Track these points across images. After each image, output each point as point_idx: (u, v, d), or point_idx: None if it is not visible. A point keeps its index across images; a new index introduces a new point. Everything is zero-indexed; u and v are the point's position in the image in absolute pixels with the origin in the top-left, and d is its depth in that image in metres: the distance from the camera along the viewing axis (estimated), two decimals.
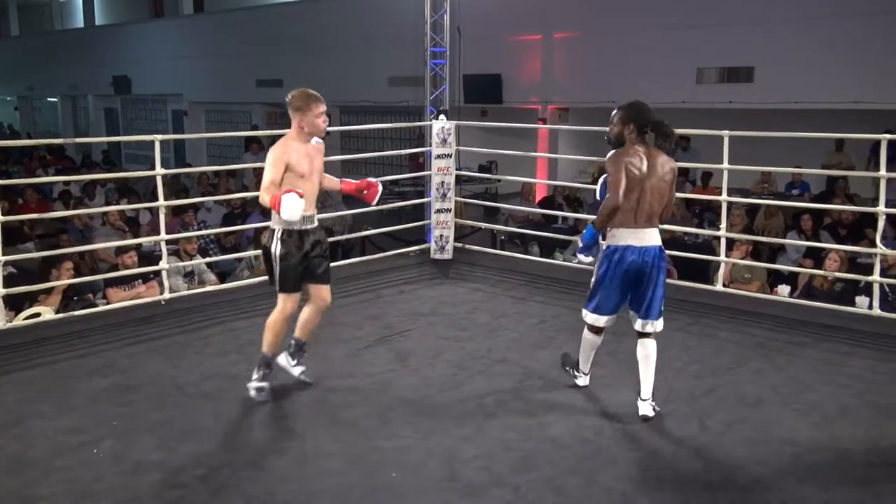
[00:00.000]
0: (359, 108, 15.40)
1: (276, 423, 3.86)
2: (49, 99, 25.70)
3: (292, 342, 4.22)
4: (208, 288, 6.26)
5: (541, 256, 7.63)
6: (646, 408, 3.86)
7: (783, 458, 3.49)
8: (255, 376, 4.02)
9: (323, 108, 4.04)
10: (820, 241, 7.39)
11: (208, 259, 6.91)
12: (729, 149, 5.81)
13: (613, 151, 3.81)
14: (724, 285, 6.09)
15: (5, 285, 5.12)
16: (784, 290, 6.56)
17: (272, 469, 3.36)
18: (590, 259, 4.02)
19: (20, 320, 5.35)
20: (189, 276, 6.62)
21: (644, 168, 3.73)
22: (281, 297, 4.01)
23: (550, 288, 6.32)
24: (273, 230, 3.99)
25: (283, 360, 4.23)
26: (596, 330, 4.07)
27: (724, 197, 5.97)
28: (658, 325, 3.94)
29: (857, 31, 9.50)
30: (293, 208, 3.65)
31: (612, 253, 3.83)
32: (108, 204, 10.14)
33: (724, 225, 6.03)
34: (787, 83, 9.84)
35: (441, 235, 7.24)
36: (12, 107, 27.65)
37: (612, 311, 3.98)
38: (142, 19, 22.81)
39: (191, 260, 6.57)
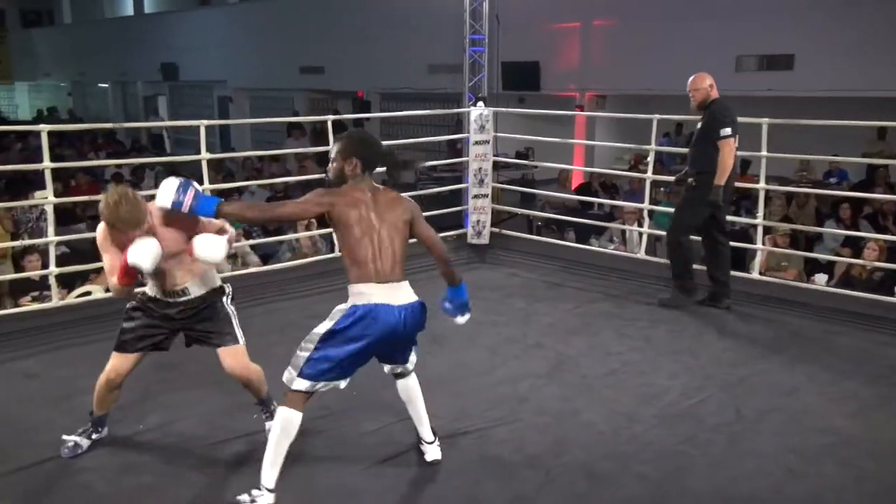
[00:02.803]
0: (399, 94, 15.38)
1: (314, 400, 3.88)
2: (100, 85, 26.08)
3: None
4: (251, 269, 6.32)
5: (576, 242, 7.56)
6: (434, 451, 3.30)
7: (818, 448, 3.42)
8: (77, 431, 3.33)
9: (137, 234, 2.97)
10: (859, 231, 7.22)
11: (252, 241, 6.97)
12: (767, 136, 5.69)
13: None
14: (761, 273, 5.98)
15: (58, 264, 5.23)
16: (821, 278, 6.42)
17: (308, 444, 3.38)
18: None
19: (72, 298, 5.46)
20: (233, 257, 6.68)
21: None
22: (112, 354, 3.27)
23: (586, 274, 6.27)
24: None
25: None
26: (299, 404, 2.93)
27: (761, 185, 5.86)
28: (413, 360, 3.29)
29: None
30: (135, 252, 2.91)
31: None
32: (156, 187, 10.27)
33: (761, 213, 5.92)
34: (827, 71, 9.58)
35: (478, 220, 7.21)
36: (66, 92, 28.14)
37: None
38: (189, 7, 23.00)
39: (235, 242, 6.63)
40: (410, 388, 3.28)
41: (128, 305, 3.24)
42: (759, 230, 5.97)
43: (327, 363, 2.86)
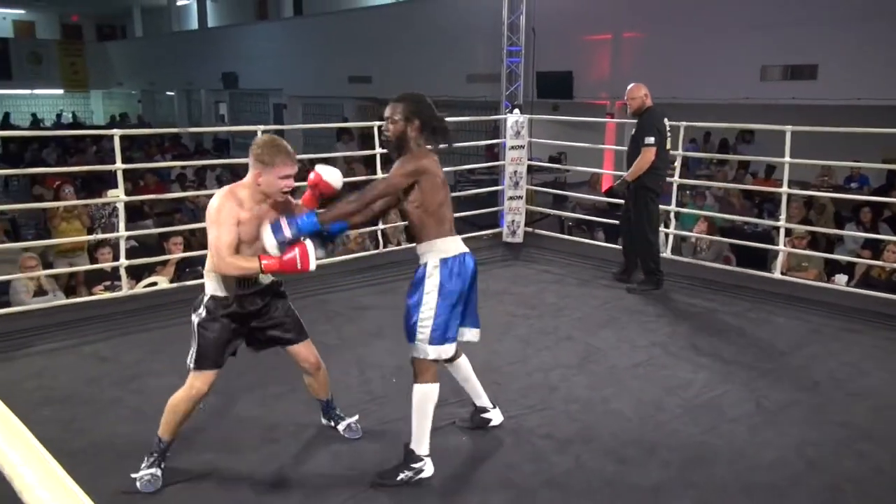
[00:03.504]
0: (440, 102, 15.25)
1: (361, 387, 3.90)
2: (167, 93, 26.54)
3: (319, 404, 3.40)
4: None
5: (605, 242, 7.48)
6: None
7: (837, 441, 3.34)
8: (143, 464, 2.93)
9: (289, 169, 2.82)
10: (879, 233, 7.02)
11: None
12: (791, 143, 5.57)
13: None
14: (782, 273, 5.86)
15: (127, 257, 5.33)
16: (841, 279, 6.26)
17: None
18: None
19: (139, 288, 5.56)
20: None
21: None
22: (191, 375, 2.92)
23: (614, 271, 6.20)
24: (201, 298, 2.94)
25: (322, 419, 3.42)
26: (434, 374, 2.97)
27: (784, 189, 5.74)
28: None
29: None
30: (312, 258, 2.77)
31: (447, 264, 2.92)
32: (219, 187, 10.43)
33: (783, 216, 5.80)
34: (849, 80, 9.33)
35: (513, 220, 7.19)
36: (136, 100, 28.69)
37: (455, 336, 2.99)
38: (248, 22, 23.29)
39: None
40: (465, 366, 3.31)
41: (200, 320, 2.88)
42: (781, 232, 5.85)
43: (446, 325, 2.87)
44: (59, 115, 27.20)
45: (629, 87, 5.56)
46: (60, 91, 27.03)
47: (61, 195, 7.20)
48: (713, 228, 7.26)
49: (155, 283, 5.67)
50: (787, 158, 5.61)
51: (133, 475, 2.91)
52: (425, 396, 2.92)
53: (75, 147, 16.16)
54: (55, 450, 1.11)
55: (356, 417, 3.38)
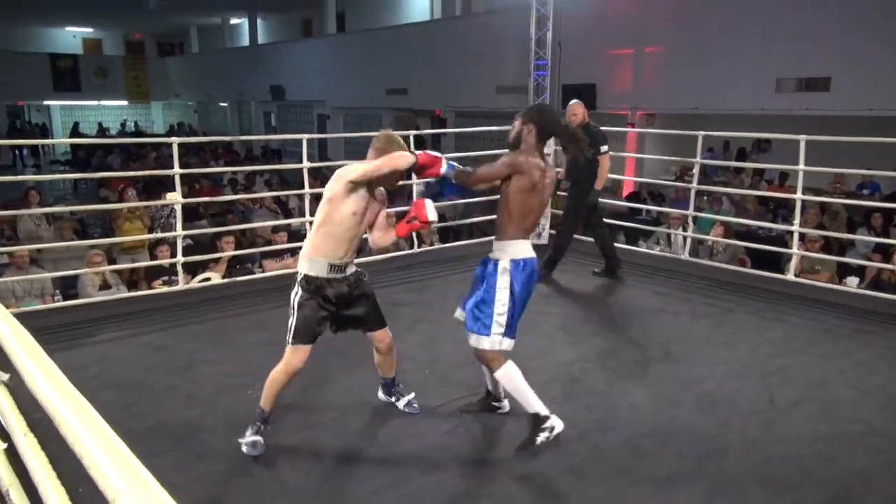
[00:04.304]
0: (471, 112, 15.36)
1: (397, 377, 3.90)
2: (221, 104, 26.93)
3: (381, 381, 3.49)
4: None
5: (626, 244, 7.41)
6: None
7: (847, 436, 3.26)
8: (248, 431, 3.04)
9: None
10: (889, 238, 6.84)
11: None
12: (805, 152, 5.46)
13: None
14: (796, 275, 5.74)
15: (184, 254, 5.41)
16: (853, 281, 6.12)
17: (391, 415, 3.41)
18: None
19: (194, 283, 5.64)
20: None
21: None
22: (288, 349, 3.00)
23: (634, 273, 6.13)
24: (295, 277, 3.05)
25: (381, 395, 3.52)
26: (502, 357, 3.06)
27: (798, 195, 5.63)
28: None
29: None
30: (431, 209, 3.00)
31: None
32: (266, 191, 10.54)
33: (797, 220, 5.68)
34: (861, 92, 9.13)
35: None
36: (192, 110, 29.16)
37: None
38: (295, 38, 23.55)
39: None
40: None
41: (298, 298, 2.97)
42: (795, 236, 5.73)
43: (514, 319, 2.98)
44: (123, 124, 27.79)
45: (571, 104, 5.61)
46: (124, 102, 27.60)
47: (125, 197, 7.35)
48: (729, 232, 7.14)
49: (208, 279, 5.75)
50: (802, 166, 5.50)
51: (239, 440, 3.02)
52: (511, 376, 3.01)
53: (137, 153, 16.46)
54: (117, 430, 1.14)
55: (413, 395, 3.46)
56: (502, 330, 2.96)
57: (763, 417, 3.44)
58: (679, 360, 4.16)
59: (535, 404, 3.00)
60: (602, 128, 5.76)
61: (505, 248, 2.99)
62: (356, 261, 3.18)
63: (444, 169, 2.99)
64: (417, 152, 3.00)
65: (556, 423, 2.99)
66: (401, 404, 3.44)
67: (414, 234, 6.59)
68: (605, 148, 5.55)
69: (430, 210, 3.00)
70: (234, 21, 26.85)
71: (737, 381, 3.84)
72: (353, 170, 2.94)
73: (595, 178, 5.63)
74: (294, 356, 2.99)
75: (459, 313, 3.22)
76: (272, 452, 3.06)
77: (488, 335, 2.97)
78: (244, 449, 3.01)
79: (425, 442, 3.17)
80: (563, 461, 3.02)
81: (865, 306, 5.10)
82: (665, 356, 4.21)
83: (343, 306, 3.09)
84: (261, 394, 3.07)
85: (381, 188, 3.10)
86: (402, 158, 2.93)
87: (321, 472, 2.93)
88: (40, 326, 3.80)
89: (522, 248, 2.99)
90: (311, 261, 3.00)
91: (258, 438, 3.03)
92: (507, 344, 2.99)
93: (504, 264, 2.97)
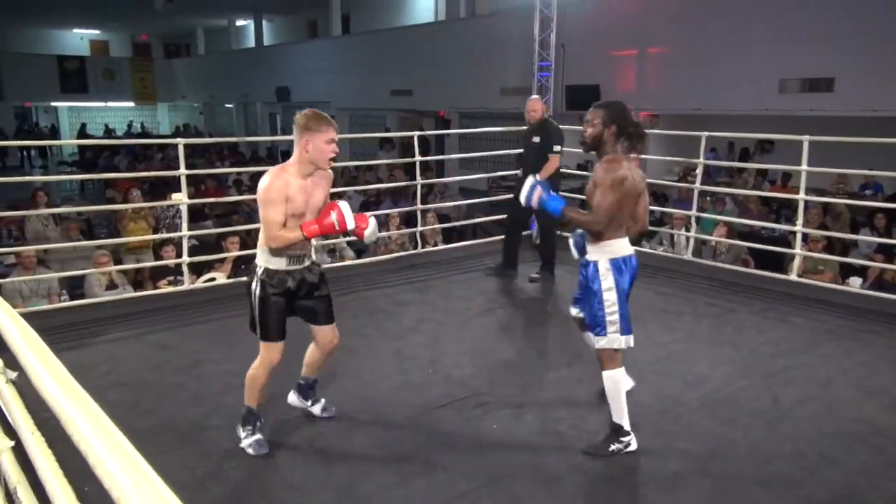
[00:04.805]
0: (475, 113, 15.37)
1: (399, 376, 3.91)
2: (226, 105, 26.97)
3: (300, 381, 3.34)
4: (347, 262, 6.42)
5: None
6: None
7: (850, 436, 3.25)
8: (242, 434, 3.05)
9: (333, 134, 2.88)
10: (892, 238, 6.81)
11: (348, 238, 7.08)
12: (808, 152, 5.45)
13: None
14: (798, 275, 5.72)
15: (189, 254, 5.42)
16: (856, 281, 6.09)
17: (396, 413, 3.41)
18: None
19: (200, 283, 5.65)
20: (332, 252, 6.81)
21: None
22: (262, 346, 2.98)
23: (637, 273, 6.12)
24: (255, 269, 2.98)
25: (294, 399, 3.38)
26: (619, 361, 3.08)
27: (801, 196, 5.61)
28: None
29: None
30: (349, 216, 2.87)
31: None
32: None
33: (800, 221, 5.66)
34: (864, 93, 9.10)
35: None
36: (198, 111, 29.22)
37: None
38: (300, 40, 23.58)
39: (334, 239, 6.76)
40: None
41: (261, 295, 2.92)
42: (798, 236, 5.71)
43: (628, 317, 3.00)
44: (129, 126, 27.86)
45: (530, 100, 5.68)
46: (131, 104, 27.68)
47: (129, 198, 7.36)
48: (732, 233, 7.12)
49: (214, 279, 5.76)
50: (805, 167, 5.48)
51: (241, 445, 3.03)
52: (616, 382, 3.04)
53: (144, 154, 16.52)
54: (122, 429, 1.14)
55: (324, 401, 3.38)
56: (617, 328, 2.99)
57: (766, 417, 3.42)
58: (682, 359, 4.15)
59: (623, 416, 3.05)
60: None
61: (604, 248, 3.01)
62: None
63: (541, 198, 3.03)
64: (306, 229, 2.83)
65: (633, 443, 3.06)
66: (316, 409, 3.35)
67: (418, 235, 6.60)
68: (557, 148, 5.54)
69: (348, 215, 2.86)
70: (239, 23, 26.91)
71: (740, 381, 3.83)
72: (263, 205, 2.80)
73: (558, 176, 5.68)
74: (269, 354, 2.97)
75: (575, 312, 3.31)
76: (277, 451, 3.06)
77: (605, 335, 3.01)
78: (250, 451, 3.01)
79: (431, 440, 3.17)
80: (568, 460, 3.01)
81: (868, 307, 5.07)
82: (668, 356, 4.20)
83: (303, 298, 3.04)
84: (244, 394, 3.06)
85: (321, 170, 2.94)
86: (289, 240, 2.83)
87: (326, 470, 2.93)
88: (47, 326, 3.80)
89: (621, 246, 3.01)
90: (268, 252, 2.92)
91: (257, 437, 3.03)
92: (625, 341, 3.00)
93: (604, 265, 3.00)
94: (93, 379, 3.75)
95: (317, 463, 3.00)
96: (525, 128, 5.90)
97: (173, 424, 3.31)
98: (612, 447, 3.05)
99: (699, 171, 6.37)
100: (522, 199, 3.09)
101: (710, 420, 3.39)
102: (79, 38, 28.87)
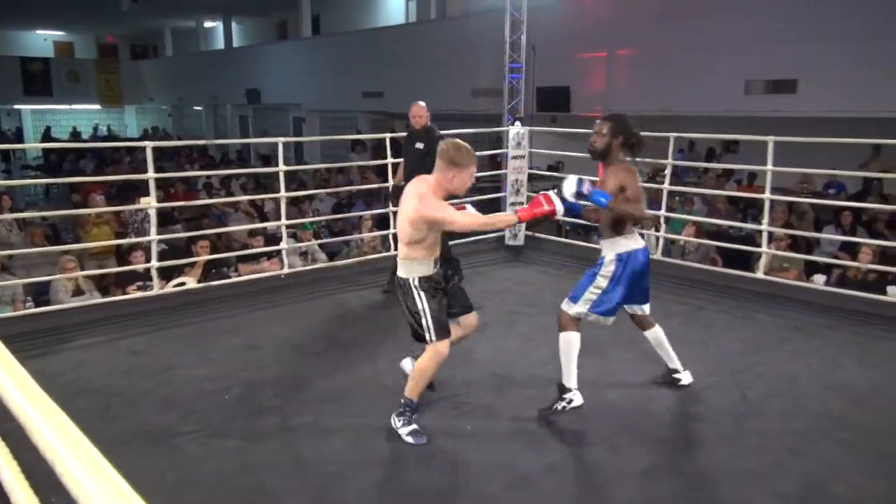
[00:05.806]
0: (446, 115, 15.38)
1: (374, 378, 3.91)
2: (195, 107, 26.63)
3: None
4: (319, 265, 6.38)
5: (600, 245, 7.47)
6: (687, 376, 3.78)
7: (817, 430, 3.32)
8: (400, 424, 3.19)
9: (475, 168, 3.14)
10: (856, 236, 6.98)
11: (320, 241, 7.04)
12: (773, 152, 5.55)
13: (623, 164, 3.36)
14: (765, 273, 5.83)
15: (158, 259, 5.34)
16: (820, 279, 6.21)
17: (370, 416, 3.39)
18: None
19: (169, 288, 5.58)
20: (304, 255, 6.77)
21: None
22: (433, 346, 3.14)
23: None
24: (405, 284, 3.15)
25: (408, 364, 3.54)
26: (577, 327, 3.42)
27: (766, 195, 5.72)
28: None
29: (889, 47, 8.91)
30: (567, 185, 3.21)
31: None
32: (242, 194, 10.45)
33: (766, 220, 5.77)
34: (827, 94, 9.31)
35: (514, 225, 7.18)
36: (166, 114, 28.81)
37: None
38: (270, 41, 23.36)
39: (307, 242, 6.72)
40: (657, 335, 3.70)
41: (428, 301, 3.11)
42: (764, 235, 5.82)
43: (606, 304, 3.30)
44: (95, 129, 27.34)
45: (416, 105, 5.45)
46: (97, 106, 27.15)
47: (90, 202, 7.23)
48: (700, 232, 7.23)
49: (184, 283, 5.68)
50: (770, 167, 5.58)
51: (400, 433, 3.16)
52: (569, 342, 3.32)
53: (111, 158, 16.23)
54: (91, 437, 1.12)
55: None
56: (588, 306, 3.30)
57: (735, 413, 3.49)
58: (653, 358, 4.19)
59: (571, 377, 3.30)
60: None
61: (614, 244, 3.35)
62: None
63: (559, 207, 3.14)
64: (520, 210, 3.16)
65: (577, 398, 3.31)
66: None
67: (390, 237, 6.58)
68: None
69: (557, 202, 3.14)
70: (208, 24, 26.57)
71: (709, 378, 3.89)
72: (434, 209, 3.01)
73: None
74: (442, 349, 3.15)
75: (627, 308, 3.57)
76: (250, 457, 3.03)
77: (576, 304, 3.32)
78: (411, 440, 3.13)
79: (405, 443, 3.16)
80: (542, 459, 3.03)
81: (831, 303, 5.19)
82: (641, 355, 4.25)
83: (446, 291, 3.27)
84: (405, 385, 3.22)
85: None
86: (502, 222, 3.43)
87: (300, 475, 2.91)
88: (11, 334, 3.73)
89: (629, 242, 3.34)
90: (419, 263, 3.13)
91: (414, 427, 3.18)
92: (589, 316, 3.32)
93: (609, 258, 3.35)
94: (59, 386, 3.68)
95: (290, 468, 2.98)
96: (405, 134, 5.66)
97: (144, 431, 3.27)
98: (557, 406, 3.30)
99: (668, 171, 6.46)
100: (570, 191, 3.21)
101: (681, 416, 3.44)
102: (42, 40, 28.25)
